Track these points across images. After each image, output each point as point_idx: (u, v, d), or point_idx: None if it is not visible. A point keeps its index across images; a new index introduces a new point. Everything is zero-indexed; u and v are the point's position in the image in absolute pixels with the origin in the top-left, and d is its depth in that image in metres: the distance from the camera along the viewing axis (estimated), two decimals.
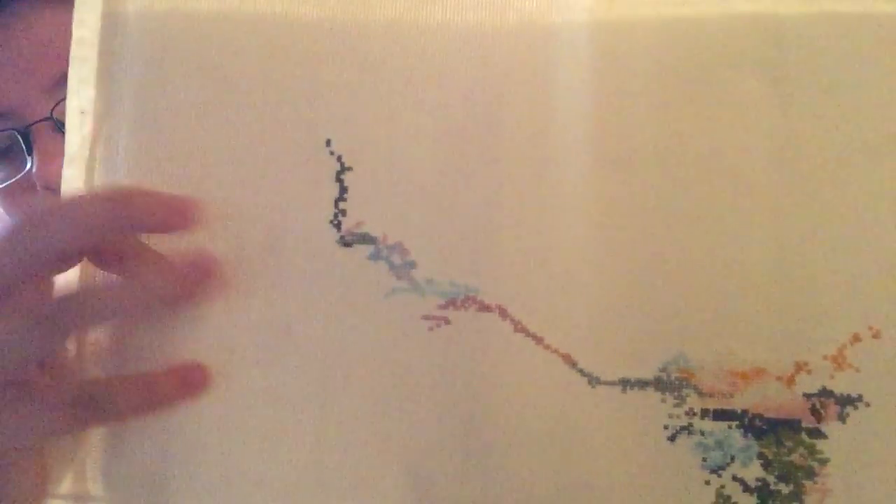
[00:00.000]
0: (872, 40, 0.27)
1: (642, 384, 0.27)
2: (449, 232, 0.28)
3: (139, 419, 0.26)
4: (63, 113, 0.42)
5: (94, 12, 0.28)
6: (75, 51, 0.28)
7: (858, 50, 0.27)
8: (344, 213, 0.28)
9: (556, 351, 0.28)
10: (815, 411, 0.27)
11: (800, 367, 0.27)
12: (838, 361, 0.26)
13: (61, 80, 0.43)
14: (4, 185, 0.47)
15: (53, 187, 0.44)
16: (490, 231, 0.28)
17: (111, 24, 0.27)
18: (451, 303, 0.28)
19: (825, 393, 0.26)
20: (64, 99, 0.42)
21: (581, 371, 0.27)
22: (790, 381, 0.27)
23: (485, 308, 0.28)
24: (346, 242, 0.28)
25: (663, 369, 0.27)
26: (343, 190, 0.28)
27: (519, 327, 0.28)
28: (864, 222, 0.27)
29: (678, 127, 0.27)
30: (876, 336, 0.26)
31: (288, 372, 0.28)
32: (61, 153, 0.42)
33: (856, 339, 0.26)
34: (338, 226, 0.28)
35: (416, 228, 0.28)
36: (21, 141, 0.45)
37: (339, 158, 0.28)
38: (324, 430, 0.28)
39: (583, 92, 0.27)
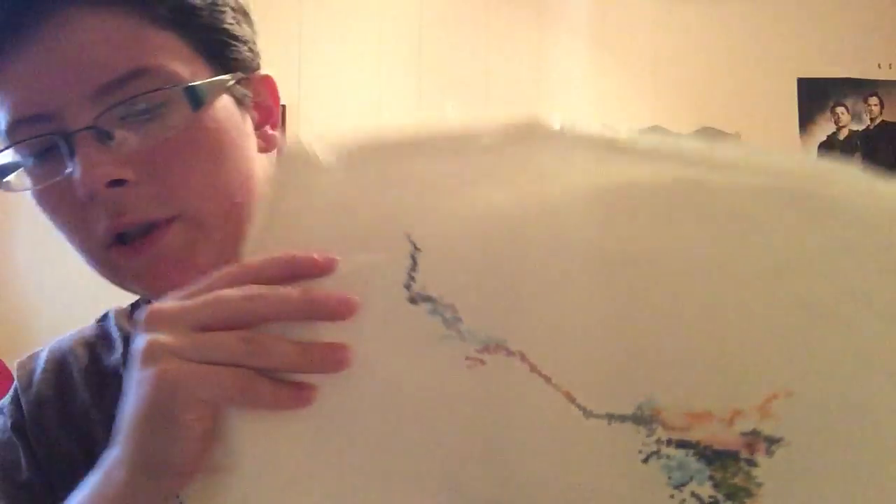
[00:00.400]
0: (760, 201, 0.38)
1: (623, 418, 0.36)
2: (486, 298, 0.38)
3: (292, 369, 0.37)
4: (107, 121, 0.46)
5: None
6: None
7: (756, 207, 0.38)
8: (414, 279, 0.38)
9: (560, 389, 0.36)
10: (748, 446, 0.35)
11: (736, 412, 0.35)
12: (763, 411, 0.35)
13: (105, 89, 0.46)
14: (42, 186, 0.49)
15: (96, 196, 0.46)
16: (516, 299, 0.37)
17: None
18: (486, 349, 0.37)
19: (755, 433, 0.35)
20: (109, 109, 0.46)
21: (578, 406, 0.36)
22: (730, 423, 0.35)
23: (510, 354, 0.37)
24: (413, 300, 0.38)
25: (639, 408, 0.36)
26: (415, 264, 0.38)
27: (534, 369, 0.36)
28: (775, 319, 0.36)
29: (640, 249, 0.38)
30: (789, 395, 0.35)
31: (359, 391, 0.37)
32: (104, 162, 0.46)
33: (775, 396, 0.35)
34: (409, 288, 0.38)
35: (463, 294, 0.38)
36: (65, 146, 0.46)
37: (414, 244, 0.38)
38: (386, 435, 0.37)
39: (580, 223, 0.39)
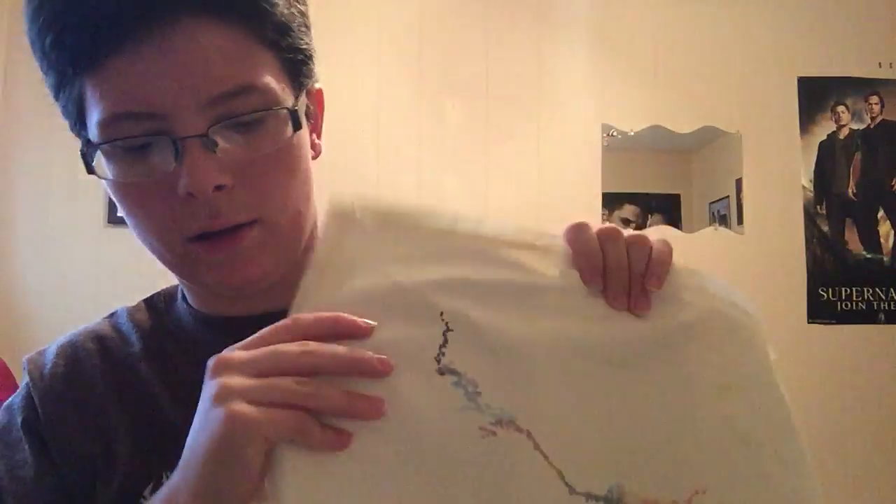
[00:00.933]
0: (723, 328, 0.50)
1: (598, 498, 0.44)
2: (503, 380, 0.44)
3: (337, 413, 0.42)
4: (217, 132, 0.50)
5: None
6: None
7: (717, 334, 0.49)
8: (444, 354, 0.44)
9: (554, 466, 0.44)
10: None
11: (673, 502, 0.45)
12: (688, 502, 0.45)
13: (216, 99, 0.50)
14: (144, 179, 0.51)
15: (200, 197, 0.50)
16: (529, 385, 0.44)
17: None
18: (499, 422, 0.43)
19: None
20: (219, 121, 0.50)
21: (566, 483, 0.43)
22: None
23: (519, 430, 0.43)
24: (441, 372, 0.44)
25: (609, 490, 0.44)
26: (445, 341, 0.44)
27: (537, 447, 0.44)
28: (707, 430, 0.46)
29: (630, 354, 0.47)
30: (703, 492, 0.45)
31: (386, 442, 0.42)
32: (211, 169, 0.50)
33: (695, 492, 0.45)
34: (438, 361, 0.44)
35: (484, 373, 0.44)
36: (173, 148, 0.50)
37: (446, 323, 0.45)
38: (404, 484, 0.42)
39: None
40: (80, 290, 2.35)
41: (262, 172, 0.52)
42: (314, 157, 0.59)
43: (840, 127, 2.59)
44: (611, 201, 2.50)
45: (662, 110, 2.55)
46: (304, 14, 0.57)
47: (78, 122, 0.53)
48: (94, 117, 0.51)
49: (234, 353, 0.44)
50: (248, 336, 0.45)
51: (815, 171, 2.55)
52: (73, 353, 0.61)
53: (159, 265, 0.57)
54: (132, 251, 0.58)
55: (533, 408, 0.44)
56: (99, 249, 2.36)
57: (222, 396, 0.41)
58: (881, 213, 2.56)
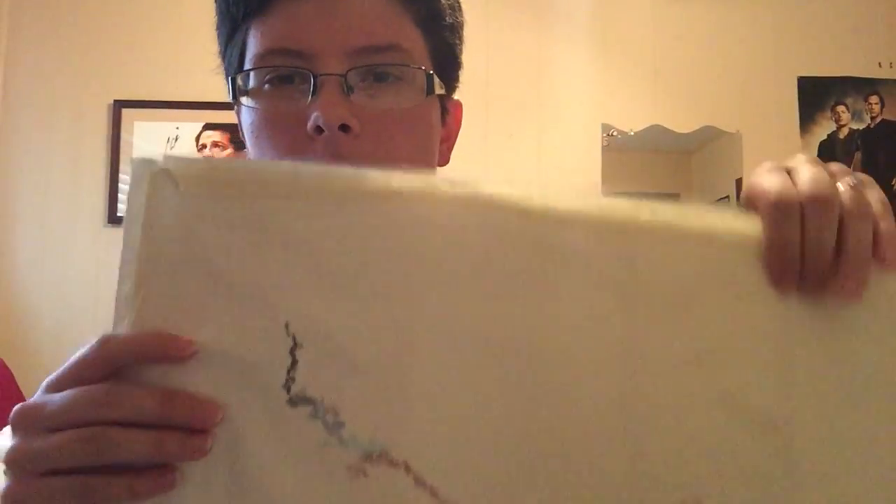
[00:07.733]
0: (710, 268, 0.36)
1: None
2: (370, 400, 0.35)
3: (146, 459, 0.35)
4: (352, 77, 0.53)
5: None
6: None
7: (696, 276, 0.36)
8: (293, 379, 0.35)
9: (446, 502, 0.34)
10: None
11: None
12: None
13: (362, 51, 0.54)
14: (278, 109, 0.55)
15: (328, 130, 0.52)
16: (401, 400, 0.35)
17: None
18: (368, 458, 0.35)
19: None
20: (359, 67, 0.53)
21: None
22: None
23: (393, 464, 0.34)
24: (293, 403, 0.35)
25: None
26: (294, 362, 0.35)
27: (419, 481, 0.34)
28: (688, 421, 0.35)
29: (546, 327, 0.36)
30: (697, 501, 0.34)
31: (244, 500, 0.35)
32: (343, 107, 0.53)
33: (684, 502, 0.34)
34: (288, 389, 0.35)
35: (346, 396, 0.35)
36: (313, 83, 0.53)
37: (294, 337, 0.35)
38: None
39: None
40: (80, 290, 2.35)
41: (388, 129, 0.55)
42: (440, 164, 0.63)
43: (840, 127, 2.58)
44: None
45: (662, 110, 2.55)
46: (458, 21, 0.63)
47: (238, 71, 0.58)
48: (251, 53, 0.56)
49: (32, 401, 0.38)
50: None
51: None
52: None
53: None
54: None
55: (411, 432, 0.34)
56: (99, 249, 2.36)
57: (7, 467, 0.37)
58: None
